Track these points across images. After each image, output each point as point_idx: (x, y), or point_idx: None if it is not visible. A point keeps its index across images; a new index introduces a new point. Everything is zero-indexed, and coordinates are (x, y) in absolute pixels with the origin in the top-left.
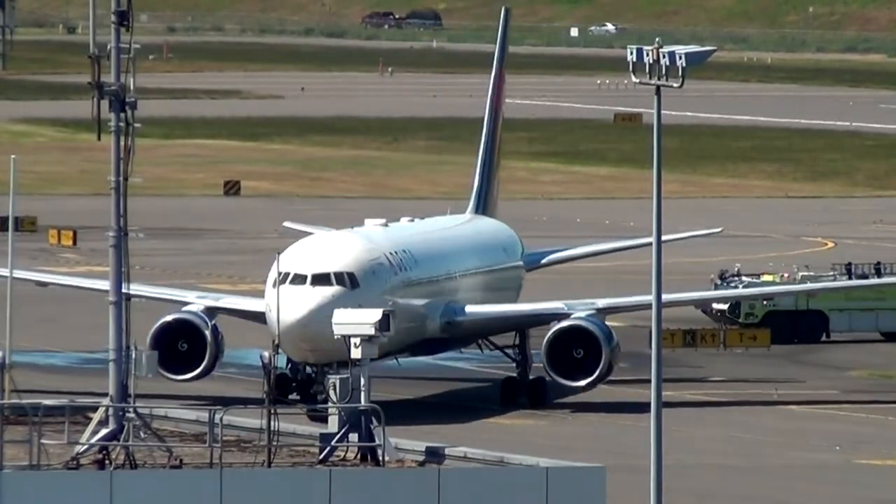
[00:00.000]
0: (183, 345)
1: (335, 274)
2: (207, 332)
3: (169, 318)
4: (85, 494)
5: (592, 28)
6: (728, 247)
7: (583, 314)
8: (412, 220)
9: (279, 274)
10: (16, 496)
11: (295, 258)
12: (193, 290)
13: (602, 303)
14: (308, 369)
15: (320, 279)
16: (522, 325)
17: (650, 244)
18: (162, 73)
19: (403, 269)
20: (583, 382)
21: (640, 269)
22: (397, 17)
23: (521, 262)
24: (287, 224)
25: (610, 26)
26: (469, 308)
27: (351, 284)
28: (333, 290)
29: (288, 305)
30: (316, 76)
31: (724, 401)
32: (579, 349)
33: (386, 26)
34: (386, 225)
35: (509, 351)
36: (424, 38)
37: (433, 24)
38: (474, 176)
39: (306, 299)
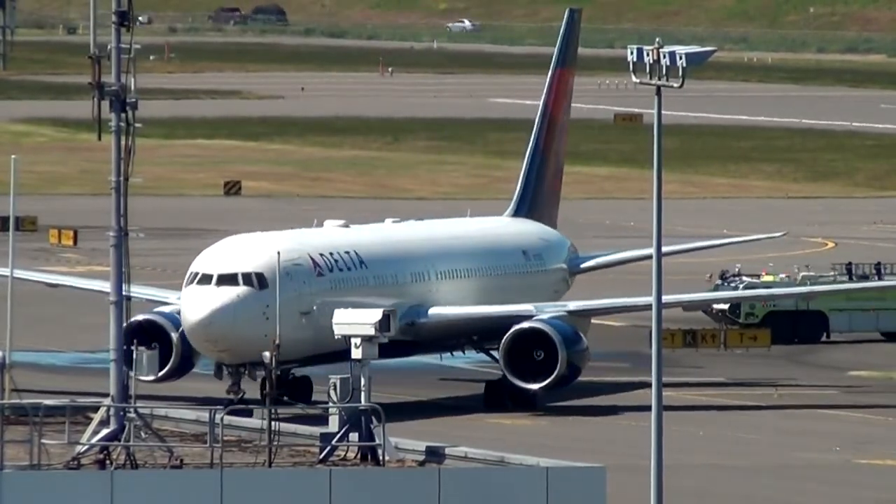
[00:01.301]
0: (155, 345)
1: (242, 274)
2: (174, 334)
3: (139, 317)
4: (85, 494)
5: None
6: (728, 247)
7: (545, 316)
8: (397, 221)
9: (190, 274)
10: (16, 496)
11: (207, 258)
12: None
13: (573, 305)
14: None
15: (226, 279)
16: (489, 327)
17: (699, 248)
18: (163, 74)
19: (340, 270)
20: (535, 386)
21: (644, 270)
22: (243, 13)
23: (560, 267)
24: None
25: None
26: (433, 310)
27: (259, 285)
28: (238, 290)
29: (193, 305)
30: (316, 76)
31: (724, 401)
32: (540, 351)
33: (232, 22)
34: (346, 226)
35: (494, 353)
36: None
37: (277, 19)
38: (518, 179)
39: (210, 299)
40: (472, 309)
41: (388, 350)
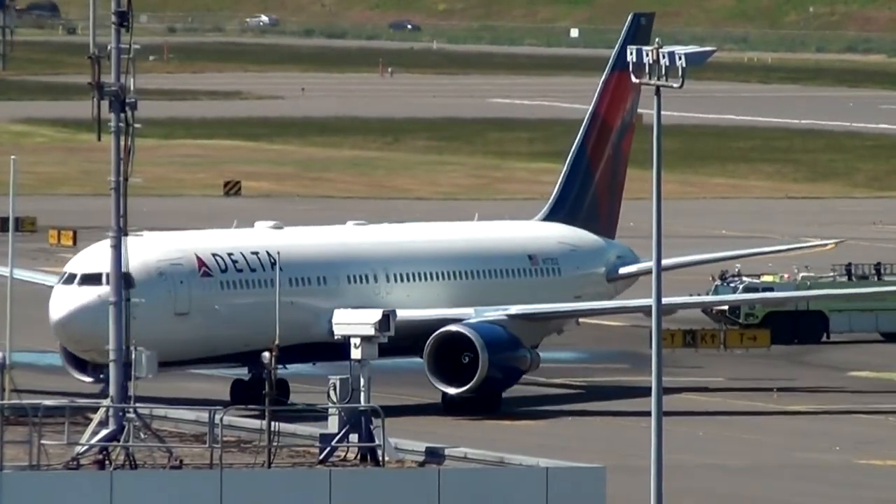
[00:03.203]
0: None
1: (107, 274)
2: None
3: None
4: (85, 495)
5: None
6: (728, 248)
7: (475, 320)
8: (360, 224)
9: (61, 273)
10: (16, 496)
11: (79, 258)
12: None
13: (515, 309)
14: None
15: (89, 279)
16: (425, 330)
17: (746, 255)
18: (162, 74)
19: (239, 271)
20: (452, 390)
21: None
22: (18, 8)
23: (589, 272)
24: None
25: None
26: None
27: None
28: (99, 289)
29: (56, 305)
30: (316, 77)
31: (724, 402)
32: (467, 355)
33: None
34: (279, 227)
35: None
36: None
37: (50, 15)
38: (557, 182)
39: (70, 299)
40: (405, 312)
41: (321, 353)
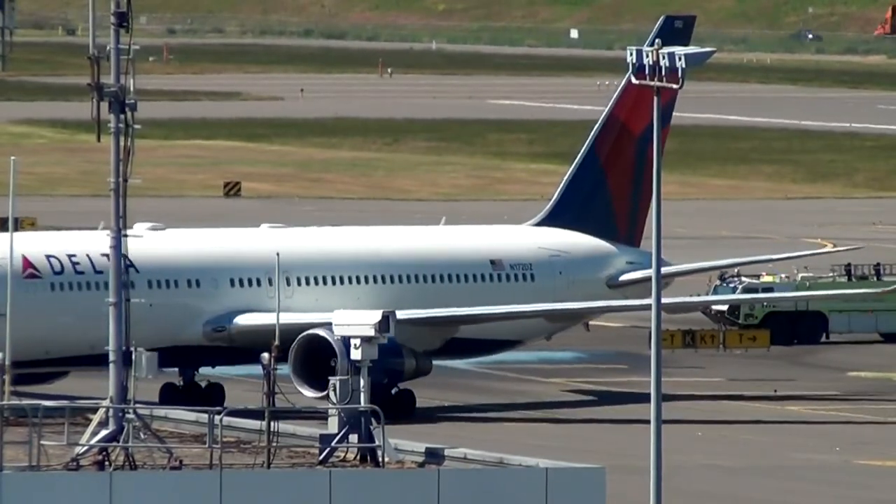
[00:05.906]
0: None
1: None
2: None
3: None
4: (85, 495)
5: None
6: (727, 248)
7: None
8: (274, 227)
9: None
10: (15, 497)
11: None
12: None
13: (402, 314)
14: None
15: None
16: (297, 334)
17: (768, 260)
18: (162, 75)
19: (80, 273)
20: (311, 394)
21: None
22: None
23: (577, 279)
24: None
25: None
26: (240, 318)
27: None
28: None
29: None
30: (315, 77)
31: (723, 402)
32: (335, 360)
33: None
34: (161, 229)
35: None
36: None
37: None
38: (559, 185)
39: None
40: (287, 317)
41: (204, 357)
